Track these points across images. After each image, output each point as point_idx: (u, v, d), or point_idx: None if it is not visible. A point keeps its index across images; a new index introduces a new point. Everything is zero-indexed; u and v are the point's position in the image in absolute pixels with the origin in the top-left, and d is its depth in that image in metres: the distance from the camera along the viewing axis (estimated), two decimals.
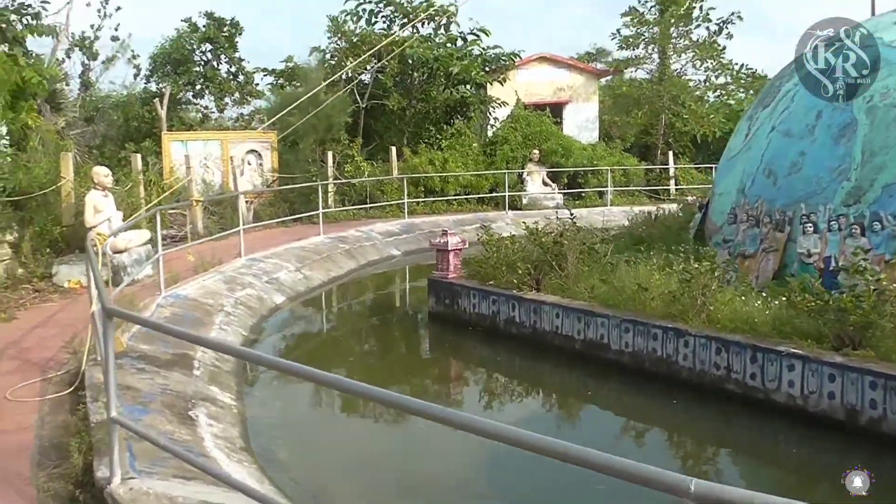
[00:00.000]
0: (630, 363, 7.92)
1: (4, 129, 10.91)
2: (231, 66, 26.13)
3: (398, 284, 14.71)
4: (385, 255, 15.34)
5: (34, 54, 12.10)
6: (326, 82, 19.14)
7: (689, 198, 17.25)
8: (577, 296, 9.00)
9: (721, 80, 25.38)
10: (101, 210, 11.10)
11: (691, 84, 25.68)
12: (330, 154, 18.80)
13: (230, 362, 7.99)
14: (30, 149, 10.62)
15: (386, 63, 21.54)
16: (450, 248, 10.09)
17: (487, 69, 22.77)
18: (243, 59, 26.02)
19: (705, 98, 25.99)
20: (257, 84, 26.36)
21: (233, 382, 7.35)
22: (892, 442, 5.84)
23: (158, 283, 9.41)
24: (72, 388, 6.35)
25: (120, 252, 10.95)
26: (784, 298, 7.44)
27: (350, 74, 22.62)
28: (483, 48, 23.19)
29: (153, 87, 25.48)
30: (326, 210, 16.15)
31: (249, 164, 19.90)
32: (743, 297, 7.81)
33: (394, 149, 20.34)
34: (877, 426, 5.97)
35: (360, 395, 3.28)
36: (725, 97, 25.80)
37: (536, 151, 21.42)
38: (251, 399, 7.06)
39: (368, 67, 22.28)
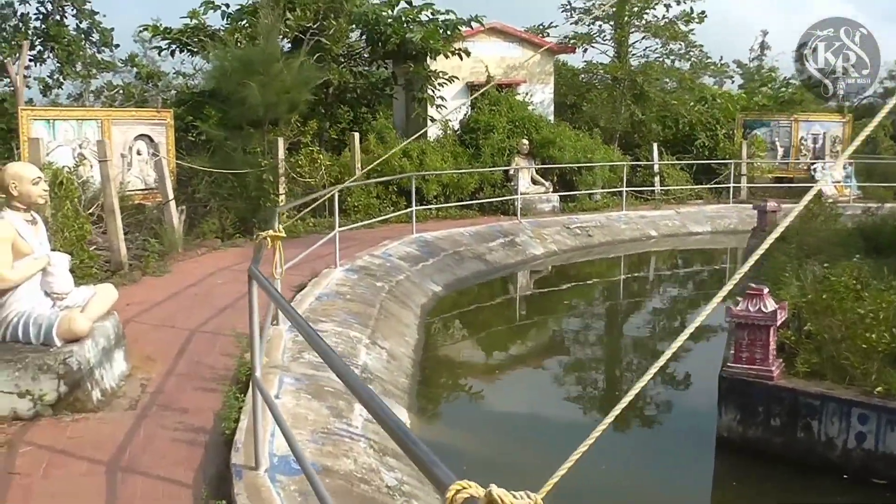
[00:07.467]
0: None
1: None
2: (81, 21, 19.19)
3: (514, 351, 9.32)
4: (428, 292, 10.16)
5: None
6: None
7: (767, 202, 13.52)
8: None
9: (686, 65, 22.44)
10: (25, 252, 5.24)
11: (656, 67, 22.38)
12: (280, 141, 13.18)
13: None
14: None
15: (332, 23, 16.07)
16: (775, 322, 5.37)
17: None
18: (97, 13, 19.22)
19: (666, 84, 22.88)
20: (117, 46, 19.67)
21: None
22: None
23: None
24: None
25: (77, 339, 5.19)
26: None
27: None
28: (433, 12, 18.33)
29: None
30: (353, 226, 10.29)
31: (139, 153, 13.78)
32: None
33: (356, 136, 14.99)
34: None
35: None
36: (689, 85, 22.74)
37: (525, 142, 16.94)
38: None
39: (297, 26, 16.65)
